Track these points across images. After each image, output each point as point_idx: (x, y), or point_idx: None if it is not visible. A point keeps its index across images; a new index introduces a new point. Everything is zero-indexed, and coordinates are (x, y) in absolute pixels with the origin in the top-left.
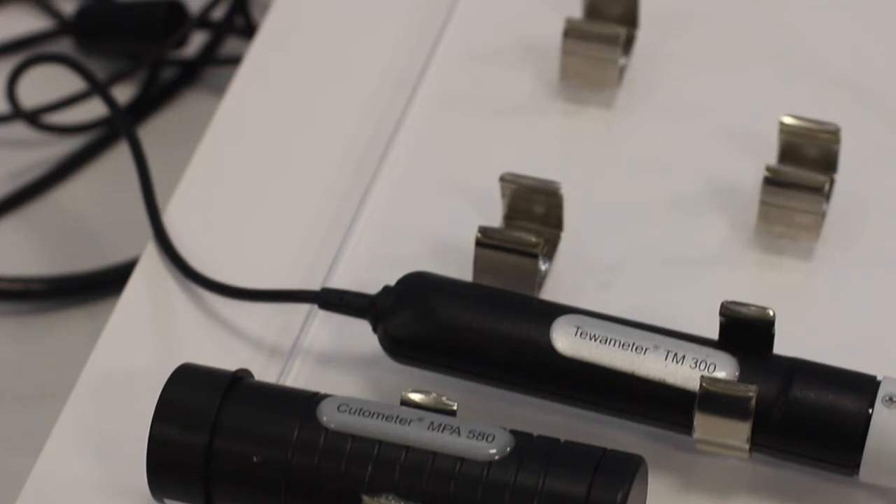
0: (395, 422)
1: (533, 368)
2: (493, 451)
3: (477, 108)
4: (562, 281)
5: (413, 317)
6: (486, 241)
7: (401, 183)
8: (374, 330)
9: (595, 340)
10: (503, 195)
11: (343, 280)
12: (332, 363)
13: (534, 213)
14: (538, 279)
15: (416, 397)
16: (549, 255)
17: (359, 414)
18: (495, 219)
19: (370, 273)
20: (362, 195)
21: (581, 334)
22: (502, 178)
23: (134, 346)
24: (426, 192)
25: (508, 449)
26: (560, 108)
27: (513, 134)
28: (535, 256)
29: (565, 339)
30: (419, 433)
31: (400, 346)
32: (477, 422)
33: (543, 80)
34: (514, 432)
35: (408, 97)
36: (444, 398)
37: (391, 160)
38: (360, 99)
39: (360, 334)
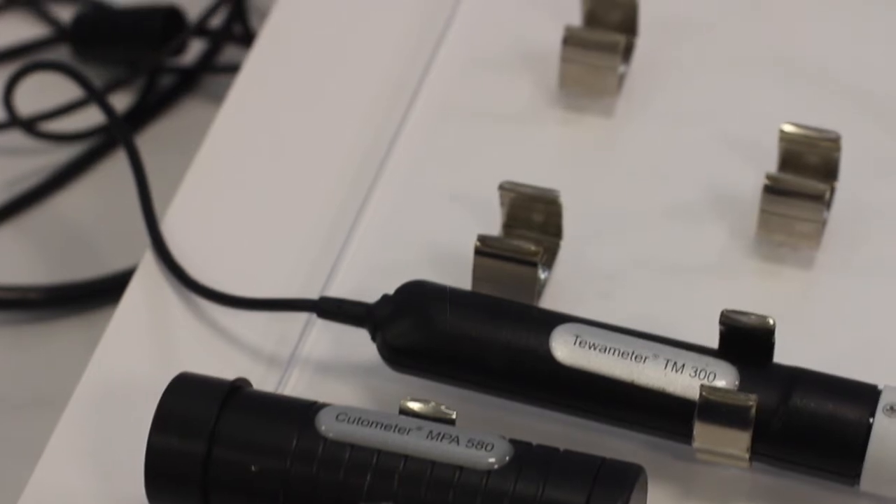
0: (394, 431)
1: (532, 377)
2: (492, 459)
3: (476, 117)
4: (561, 289)
5: (412, 325)
6: (486, 249)
7: (399, 191)
8: (373, 339)
9: (594, 349)
10: (502, 203)
11: (341, 289)
12: (330, 372)
13: (533, 221)
14: (537, 288)
15: (414, 406)
16: (549, 263)
17: (357, 423)
18: (494, 227)
19: (369, 281)
20: (361, 203)
21: (580, 343)
22: (501, 187)
23: (132, 355)
24: (425, 201)
25: (507, 458)
26: (559, 116)
27: (512, 142)
28: (534, 265)
29: (565, 348)
30: (418, 442)
31: (399, 355)
32: (476, 431)
33: (543, 88)
34: (513, 441)
35: (407, 105)
36: (442, 407)
37: (390, 168)
38: (358, 107)
39: (359, 343)
